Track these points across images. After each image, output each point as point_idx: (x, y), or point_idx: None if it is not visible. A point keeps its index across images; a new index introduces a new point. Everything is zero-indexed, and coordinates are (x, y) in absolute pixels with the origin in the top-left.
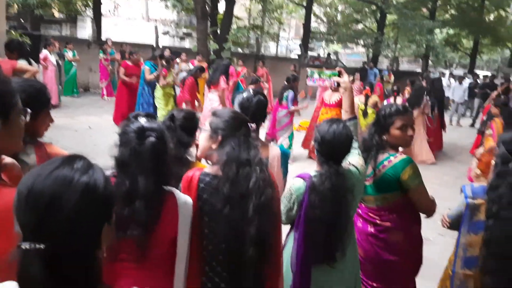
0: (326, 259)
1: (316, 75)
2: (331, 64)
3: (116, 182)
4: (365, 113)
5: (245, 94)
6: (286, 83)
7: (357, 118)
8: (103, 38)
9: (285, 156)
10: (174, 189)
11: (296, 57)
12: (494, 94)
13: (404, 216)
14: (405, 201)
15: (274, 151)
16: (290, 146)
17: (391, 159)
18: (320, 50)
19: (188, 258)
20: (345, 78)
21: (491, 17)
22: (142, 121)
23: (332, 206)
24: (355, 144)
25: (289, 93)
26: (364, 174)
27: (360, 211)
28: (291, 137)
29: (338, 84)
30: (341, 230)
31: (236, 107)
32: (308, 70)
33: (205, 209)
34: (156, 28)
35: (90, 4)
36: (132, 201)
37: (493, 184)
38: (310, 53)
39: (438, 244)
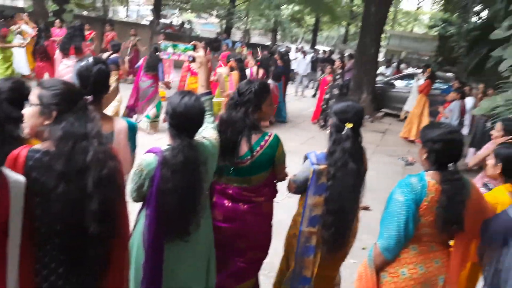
0: (180, 233)
1: (170, 49)
2: (184, 33)
3: None
4: None
5: (84, 63)
6: (155, 53)
7: (213, 93)
8: None
9: (132, 130)
10: (2, 168)
11: (148, 23)
12: (328, 68)
13: (272, 188)
14: (273, 174)
15: (119, 124)
16: (157, 116)
17: (267, 138)
18: (174, 18)
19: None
20: (200, 53)
21: None
22: None
23: (185, 179)
24: (210, 119)
25: (160, 65)
26: (217, 147)
27: (230, 191)
28: (158, 106)
29: (194, 59)
30: (195, 204)
31: (74, 77)
32: (162, 43)
33: (36, 188)
34: None
35: None
36: None
37: (331, 150)
38: (163, 20)
39: (285, 206)
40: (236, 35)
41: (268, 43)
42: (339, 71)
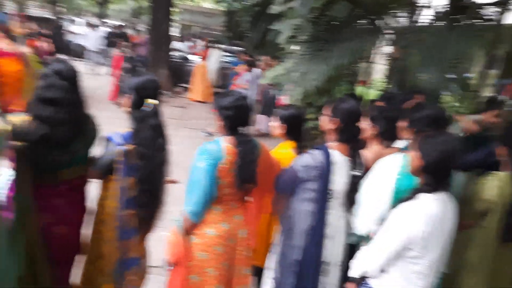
0: None
1: None
2: None
3: None
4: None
5: None
6: None
7: None
8: None
9: None
10: None
11: None
12: (122, 43)
13: None
14: None
15: None
16: None
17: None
18: None
19: None
20: None
21: None
22: None
23: None
24: None
25: None
26: (3, 135)
27: (64, 187)
28: None
29: None
30: None
31: None
32: None
33: None
34: None
35: None
36: None
37: (136, 129)
38: None
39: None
40: (10, 6)
41: (50, 16)
42: (129, 44)
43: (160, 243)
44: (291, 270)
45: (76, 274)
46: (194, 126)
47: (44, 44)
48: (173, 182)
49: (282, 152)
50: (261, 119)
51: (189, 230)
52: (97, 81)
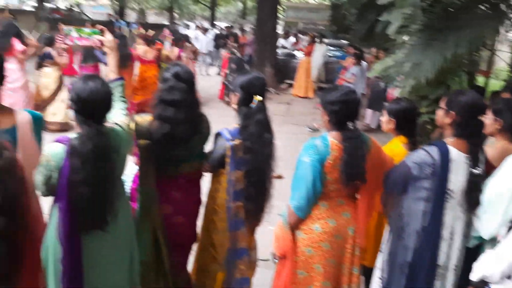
0: (97, 223)
1: (74, 33)
2: (74, 17)
3: None
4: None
5: None
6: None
7: (123, 79)
8: None
9: (37, 121)
10: None
11: (33, 9)
12: (232, 42)
13: None
14: None
15: (22, 117)
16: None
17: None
18: (60, 1)
19: None
20: (108, 37)
21: None
22: None
23: (96, 168)
24: (121, 104)
25: (96, 52)
26: (131, 133)
27: (181, 180)
28: None
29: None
30: (109, 192)
31: None
32: (65, 28)
33: None
34: None
35: None
36: None
37: (244, 125)
38: (47, 4)
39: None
40: (132, 16)
41: (166, 22)
42: (235, 45)
43: (267, 236)
44: (401, 272)
45: (190, 261)
46: (299, 122)
47: (175, 49)
48: (278, 177)
49: (393, 148)
50: (368, 113)
51: (294, 225)
52: (208, 81)
